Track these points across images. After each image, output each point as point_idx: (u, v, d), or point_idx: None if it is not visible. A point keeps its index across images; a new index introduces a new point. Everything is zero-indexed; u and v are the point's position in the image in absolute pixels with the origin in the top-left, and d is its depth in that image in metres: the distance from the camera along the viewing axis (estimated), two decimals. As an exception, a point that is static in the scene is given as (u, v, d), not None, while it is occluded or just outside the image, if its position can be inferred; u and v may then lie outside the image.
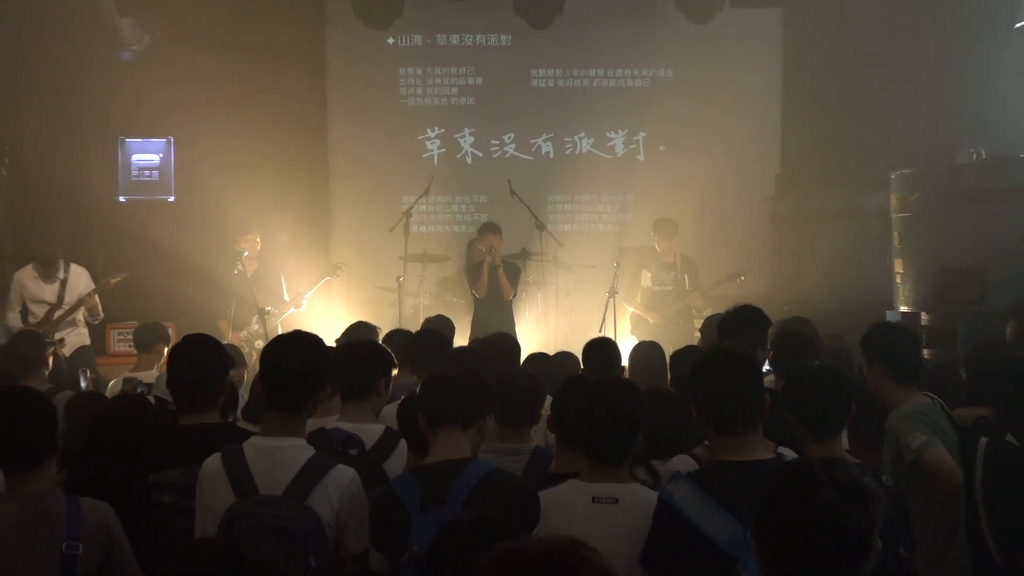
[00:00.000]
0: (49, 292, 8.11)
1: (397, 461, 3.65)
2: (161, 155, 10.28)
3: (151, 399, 4.25)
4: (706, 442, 3.26)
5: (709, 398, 2.96)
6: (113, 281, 8.29)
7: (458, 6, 10.06)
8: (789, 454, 3.09)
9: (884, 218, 7.74)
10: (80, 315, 8.14)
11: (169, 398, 3.86)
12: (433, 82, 10.91)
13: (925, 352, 4.62)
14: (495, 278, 8.92)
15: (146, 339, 6.85)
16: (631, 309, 9.18)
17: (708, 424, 2.98)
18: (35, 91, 9.18)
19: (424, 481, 2.99)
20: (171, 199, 10.22)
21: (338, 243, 10.57)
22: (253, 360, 7.61)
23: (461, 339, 7.04)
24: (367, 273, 10.10)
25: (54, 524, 3.00)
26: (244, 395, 4.90)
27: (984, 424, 4.28)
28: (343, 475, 3.14)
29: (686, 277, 9.07)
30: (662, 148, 10.90)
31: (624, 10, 10.37)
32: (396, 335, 5.46)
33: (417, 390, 3.38)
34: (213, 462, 3.17)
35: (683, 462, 3.41)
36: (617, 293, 8.98)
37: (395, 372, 4.27)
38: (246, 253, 8.85)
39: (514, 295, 8.95)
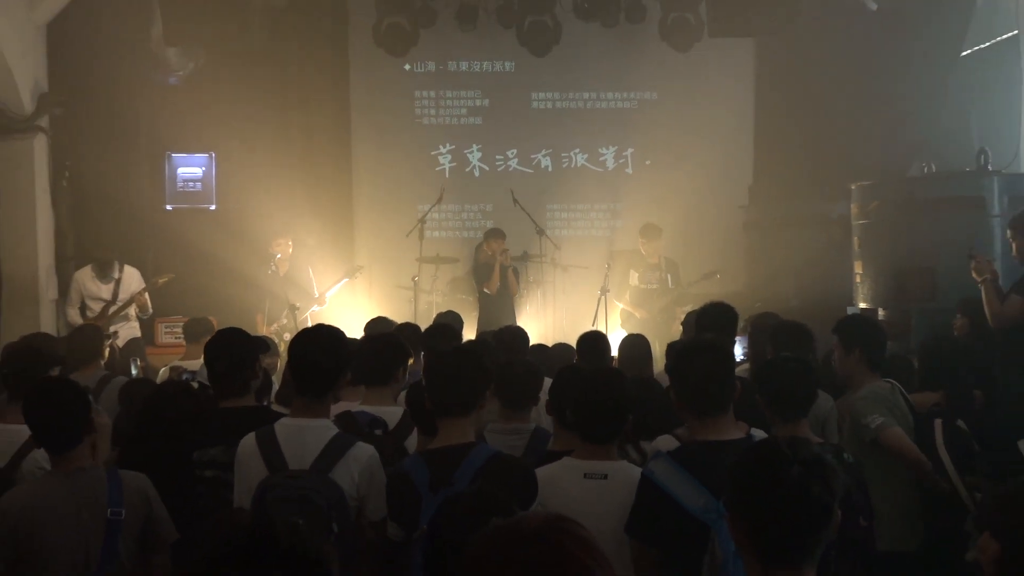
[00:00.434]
0: (105, 290, 8.12)
1: (416, 439, 3.66)
2: (204, 168, 10.27)
3: (195, 385, 4.26)
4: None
5: (687, 385, 2.96)
6: (161, 280, 8.30)
7: (467, 36, 10.05)
8: (759, 434, 3.08)
9: (845, 225, 7.72)
10: (132, 311, 8.13)
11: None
12: (445, 104, 10.88)
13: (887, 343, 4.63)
14: (505, 277, 8.99)
15: (195, 331, 6.86)
16: (621, 305, 9.18)
17: (686, 407, 2.98)
18: (93, 113, 9.18)
19: (433, 463, 2.98)
20: (212, 207, 10.21)
21: (360, 246, 10.54)
22: (283, 350, 7.61)
23: (469, 332, 7.05)
24: (386, 273, 10.09)
25: (97, 494, 3.03)
26: (277, 382, 4.90)
27: (938, 410, 4.28)
28: (363, 452, 3.14)
29: (669, 277, 9.07)
30: (648, 162, 10.87)
31: (614, 40, 10.34)
32: (407, 328, 5.46)
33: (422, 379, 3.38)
34: (249, 441, 3.18)
35: (666, 441, 3.41)
36: (608, 291, 8.99)
37: (411, 361, 4.28)
38: (279, 255, 8.86)
39: (518, 292, 9.00)
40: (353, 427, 3.53)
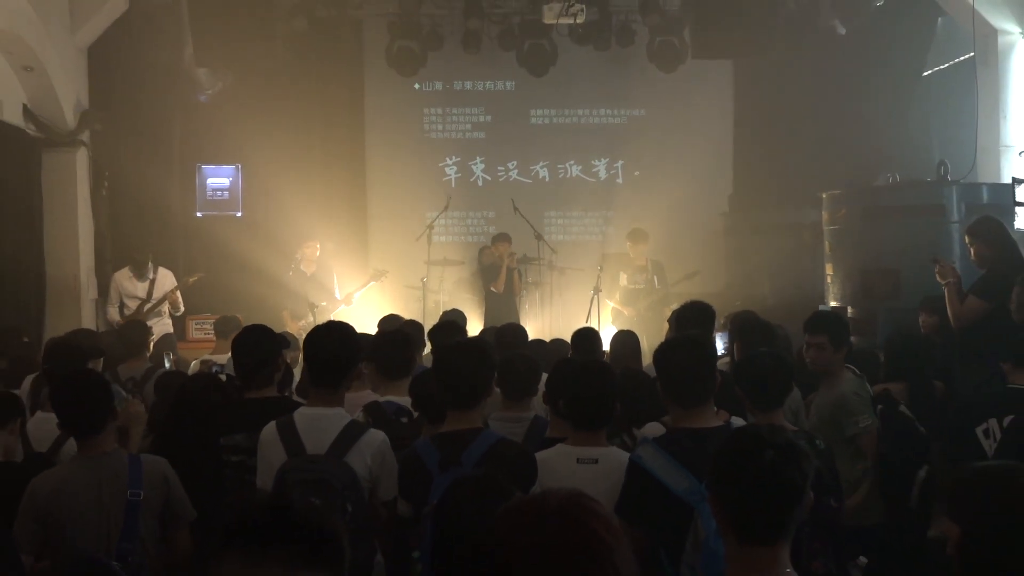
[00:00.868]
0: (141, 289, 8.10)
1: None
2: (231, 179, 10.27)
3: (223, 377, 4.25)
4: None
5: (671, 377, 2.95)
6: (192, 280, 8.30)
7: (472, 58, 10.06)
8: (738, 422, 3.07)
9: (817, 230, 7.70)
10: (165, 308, 8.13)
11: (236, 377, 3.86)
12: (451, 119, 10.89)
13: (852, 339, 4.63)
14: (511, 277, 9.04)
15: (224, 328, 6.84)
16: (611, 304, 9.15)
17: (670, 398, 2.97)
18: (130, 128, 9.19)
19: (443, 446, 2.97)
20: (239, 214, 10.21)
21: (374, 250, 10.54)
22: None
23: (472, 329, 7.03)
24: (397, 274, 10.05)
25: (119, 477, 3.04)
26: (298, 374, 4.88)
27: (883, 396, 4.31)
28: (374, 437, 3.13)
29: (655, 277, 9.04)
30: (637, 173, 10.87)
31: (606, 62, 10.35)
32: (411, 325, 5.44)
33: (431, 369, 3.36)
34: (270, 428, 3.17)
35: (654, 428, 3.40)
36: (600, 291, 8.97)
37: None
38: (303, 257, 8.88)
39: (521, 292, 9.05)
40: (381, 416, 3.52)
